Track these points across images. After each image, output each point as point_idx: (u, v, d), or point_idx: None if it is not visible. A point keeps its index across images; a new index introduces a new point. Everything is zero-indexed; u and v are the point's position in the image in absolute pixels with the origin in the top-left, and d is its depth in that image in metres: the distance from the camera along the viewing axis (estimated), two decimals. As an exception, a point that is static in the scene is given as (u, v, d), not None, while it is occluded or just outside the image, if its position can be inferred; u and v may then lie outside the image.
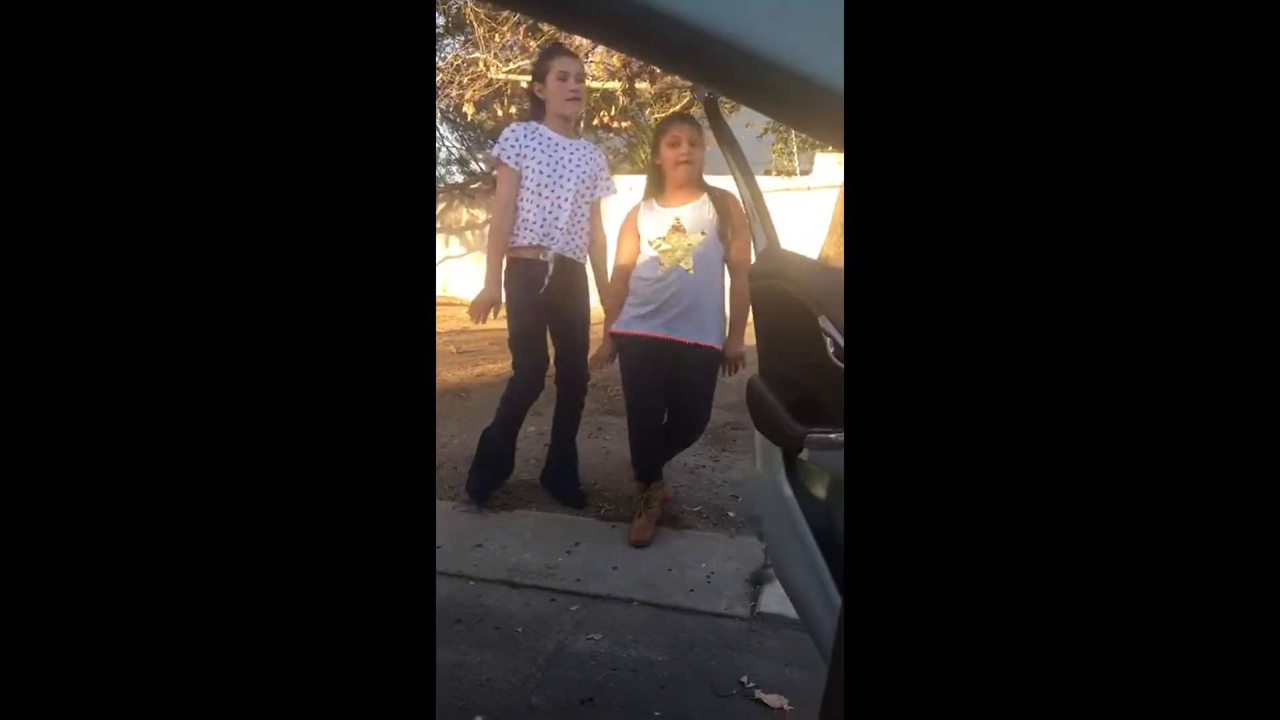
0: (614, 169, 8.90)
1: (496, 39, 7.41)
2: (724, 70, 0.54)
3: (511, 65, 7.59)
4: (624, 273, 2.59)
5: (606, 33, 0.58)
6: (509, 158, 2.57)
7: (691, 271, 2.44)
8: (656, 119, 8.84)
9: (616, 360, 2.64)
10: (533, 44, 7.20)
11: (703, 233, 2.46)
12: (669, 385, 2.54)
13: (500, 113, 8.20)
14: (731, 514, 2.84)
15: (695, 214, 2.47)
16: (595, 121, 8.26)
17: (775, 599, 2.22)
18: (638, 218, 2.55)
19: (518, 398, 2.74)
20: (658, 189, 2.53)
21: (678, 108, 8.51)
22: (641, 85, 7.05)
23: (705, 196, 2.49)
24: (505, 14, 7.01)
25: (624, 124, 8.81)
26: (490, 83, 7.66)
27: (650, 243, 2.49)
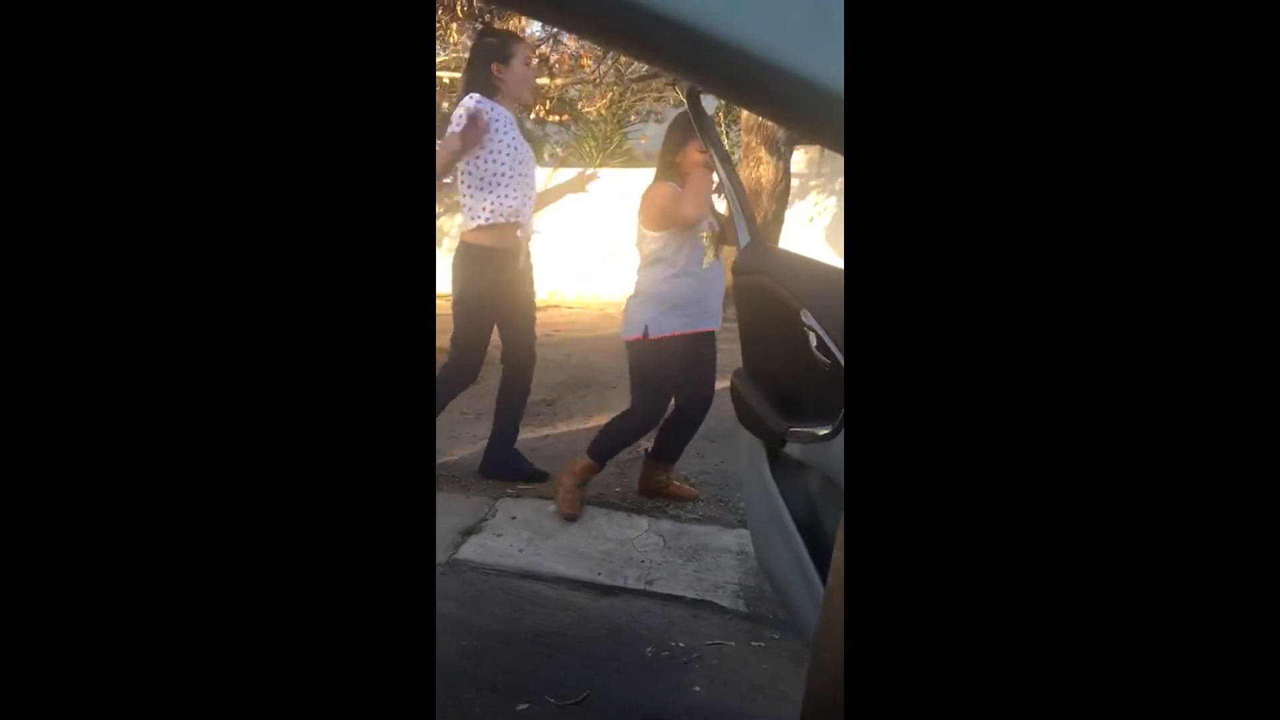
0: (561, 162, 8.95)
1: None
2: (722, 71, 0.53)
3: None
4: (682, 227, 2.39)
5: (602, 32, 0.57)
6: (485, 117, 2.45)
7: (721, 264, 2.45)
8: (587, 112, 8.90)
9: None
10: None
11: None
12: (683, 377, 2.53)
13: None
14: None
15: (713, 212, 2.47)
16: (531, 116, 8.32)
17: (474, 549, 2.34)
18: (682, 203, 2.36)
19: (454, 385, 2.63)
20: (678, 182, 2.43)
21: (604, 102, 8.54)
22: (542, 80, 7.10)
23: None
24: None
25: (562, 116, 8.87)
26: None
27: (701, 234, 2.41)
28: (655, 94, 8.86)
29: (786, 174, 6.55)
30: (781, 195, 6.44)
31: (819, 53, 0.49)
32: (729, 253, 2.37)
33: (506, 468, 2.84)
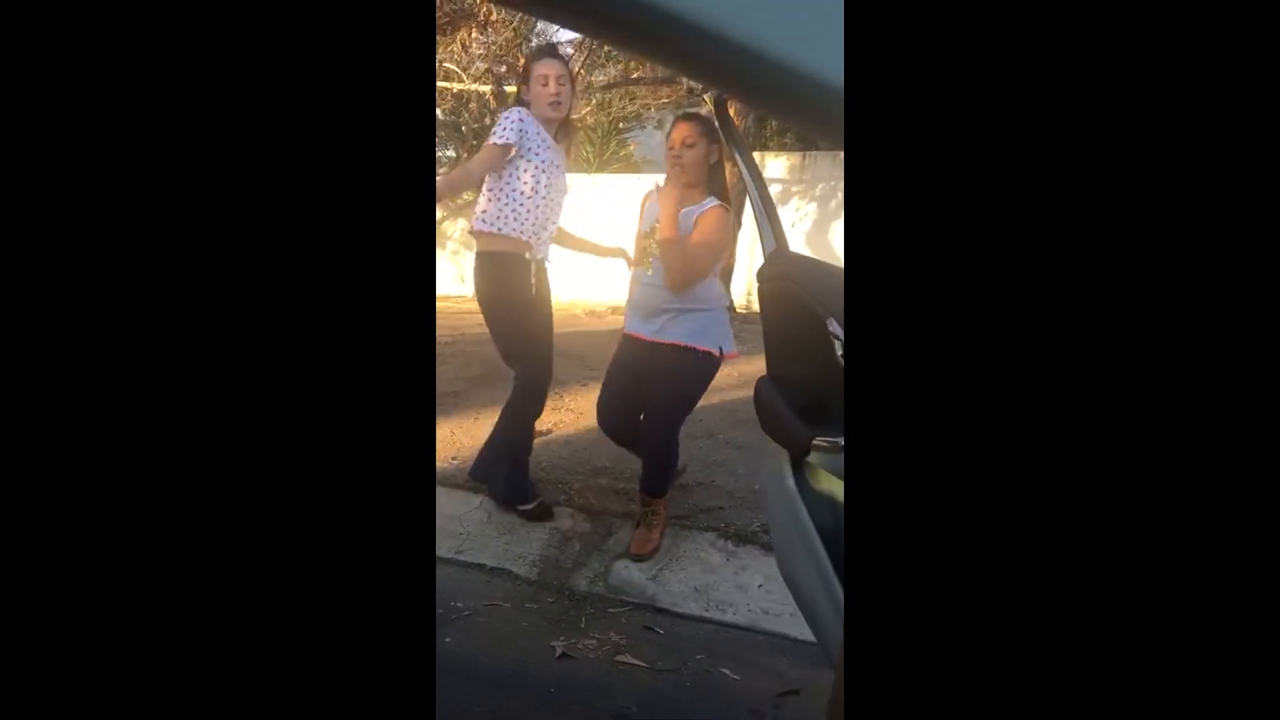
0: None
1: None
2: (726, 70, 0.54)
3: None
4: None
5: (610, 33, 0.59)
6: (508, 135, 2.39)
7: (650, 273, 2.39)
8: (574, 119, 9.18)
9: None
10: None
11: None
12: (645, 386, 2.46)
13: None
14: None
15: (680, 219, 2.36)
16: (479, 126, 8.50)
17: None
18: (644, 207, 2.48)
19: (533, 401, 2.58)
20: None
21: (588, 108, 8.78)
22: (510, 89, 7.32)
23: (702, 204, 2.37)
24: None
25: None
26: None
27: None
28: (642, 100, 9.07)
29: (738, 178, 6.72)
30: (738, 197, 6.61)
31: (820, 48, 0.50)
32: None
33: (510, 488, 2.64)
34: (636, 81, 8.04)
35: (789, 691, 1.84)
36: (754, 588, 2.26)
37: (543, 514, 2.60)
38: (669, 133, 2.42)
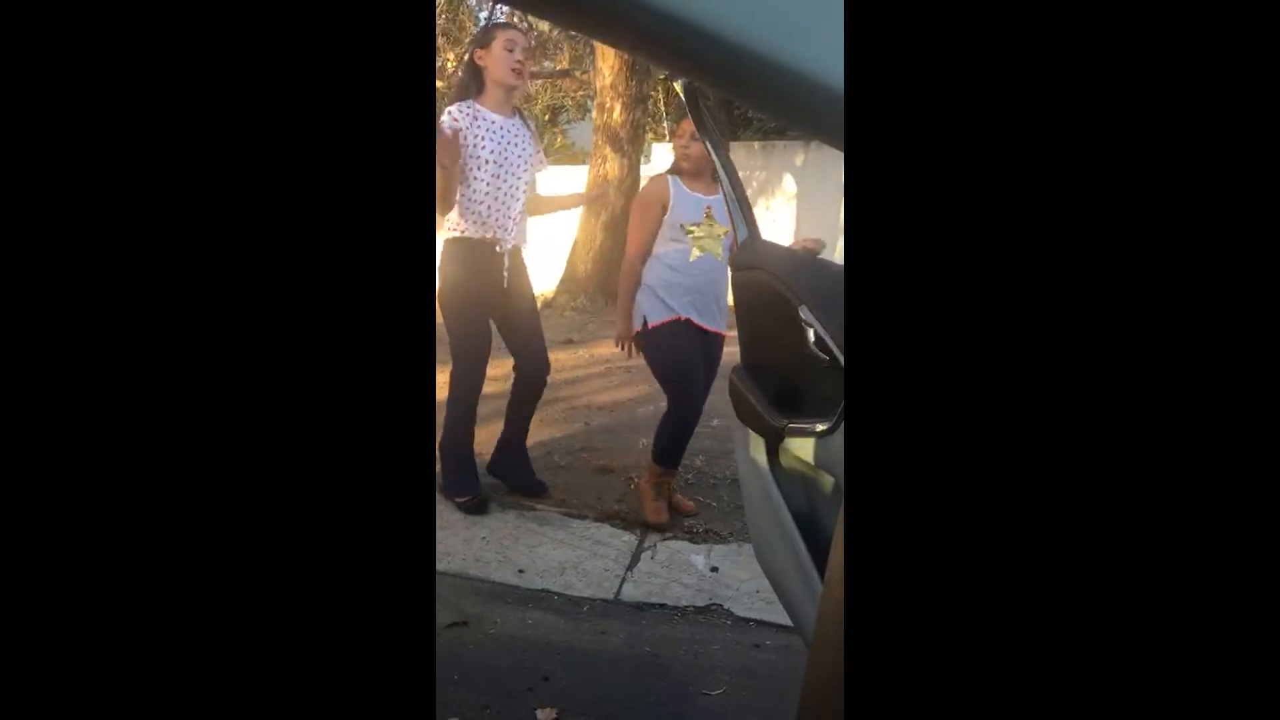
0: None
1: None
2: (725, 69, 0.54)
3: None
4: (643, 257, 2.53)
5: (605, 30, 0.59)
6: (454, 126, 2.39)
7: (721, 260, 2.47)
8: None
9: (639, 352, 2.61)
10: None
11: (728, 228, 2.46)
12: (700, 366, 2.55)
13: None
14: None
15: (722, 204, 2.45)
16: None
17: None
18: (668, 197, 2.48)
19: (466, 395, 2.55)
20: (678, 172, 2.54)
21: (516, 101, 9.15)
22: None
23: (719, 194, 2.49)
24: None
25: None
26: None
27: (685, 228, 2.46)
28: (565, 92, 9.26)
29: (634, 170, 7.15)
30: (630, 189, 6.93)
31: (818, 48, 0.50)
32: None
33: (511, 474, 2.78)
34: (533, 75, 8.33)
35: (457, 623, 1.99)
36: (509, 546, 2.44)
37: (478, 508, 2.57)
38: (678, 129, 2.59)
